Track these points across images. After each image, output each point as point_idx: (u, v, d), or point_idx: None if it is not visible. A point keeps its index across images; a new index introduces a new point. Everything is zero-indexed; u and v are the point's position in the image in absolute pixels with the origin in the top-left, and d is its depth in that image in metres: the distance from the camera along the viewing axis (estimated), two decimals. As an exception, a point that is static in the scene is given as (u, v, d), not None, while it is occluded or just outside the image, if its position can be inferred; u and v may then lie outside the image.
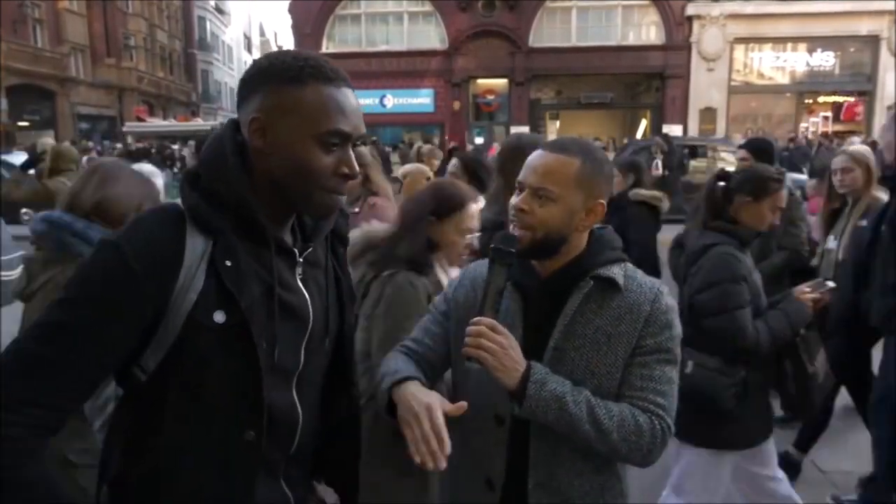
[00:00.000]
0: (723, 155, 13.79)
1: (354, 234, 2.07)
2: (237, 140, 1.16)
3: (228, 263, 1.10)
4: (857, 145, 4.09)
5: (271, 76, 1.13)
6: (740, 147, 4.46)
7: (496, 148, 18.87)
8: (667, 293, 1.47)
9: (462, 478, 1.53)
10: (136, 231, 1.10)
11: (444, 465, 1.23)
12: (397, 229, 2.16)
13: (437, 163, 6.00)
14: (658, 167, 11.04)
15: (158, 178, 2.83)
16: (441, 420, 1.25)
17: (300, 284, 1.22)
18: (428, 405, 1.27)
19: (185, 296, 1.08)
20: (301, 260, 1.23)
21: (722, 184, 2.59)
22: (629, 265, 1.50)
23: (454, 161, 3.74)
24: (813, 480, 3.60)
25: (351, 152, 1.16)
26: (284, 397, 1.21)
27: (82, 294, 1.06)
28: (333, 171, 1.14)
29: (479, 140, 23.90)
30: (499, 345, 1.33)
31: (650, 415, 1.38)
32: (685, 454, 2.61)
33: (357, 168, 1.18)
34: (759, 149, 4.14)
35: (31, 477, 1.01)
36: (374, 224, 2.35)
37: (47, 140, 8.64)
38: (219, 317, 1.09)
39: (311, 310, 1.23)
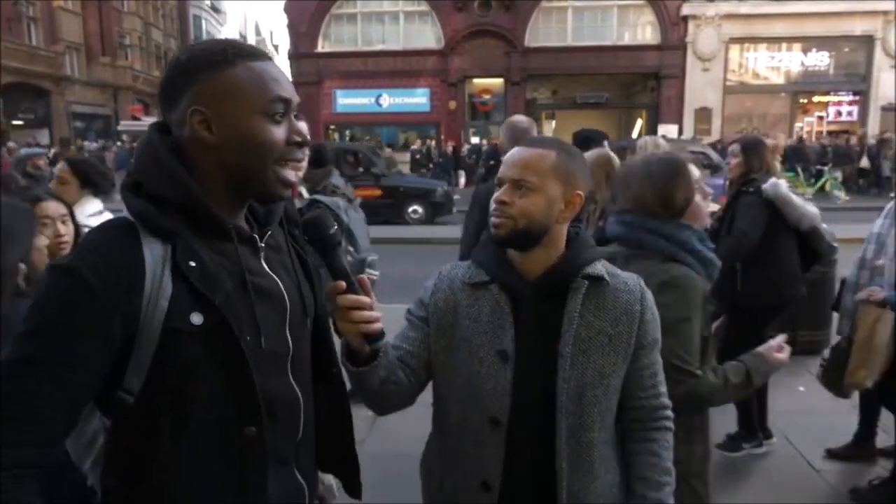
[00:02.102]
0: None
1: None
2: (168, 141, 1.14)
3: (193, 264, 1.08)
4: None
5: (199, 66, 1.11)
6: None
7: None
8: (643, 283, 1.54)
9: (455, 484, 1.53)
10: (88, 251, 1.06)
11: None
12: None
13: None
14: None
15: None
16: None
17: (267, 269, 1.21)
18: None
19: (156, 305, 1.05)
20: (263, 245, 1.22)
21: None
22: (605, 260, 1.56)
23: (61, 164, 3.59)
24: (807, 479, 3.62)
25: (294, 120, 1.17)
26: (282, 383, 1.20)
27: (44, 324, 1.02)
28: (287, 140, 1.14)
29: (475, 140, 23.95)
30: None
31: (662, 430, 1.55)
32: None
33: (307, 134, 1.18)
34: None
35: None
36: None
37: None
38: (196, 318, 1.07)
39: (284, 291, 1.22)
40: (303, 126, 1.33)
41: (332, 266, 1.27)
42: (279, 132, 1.13)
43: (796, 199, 3.66)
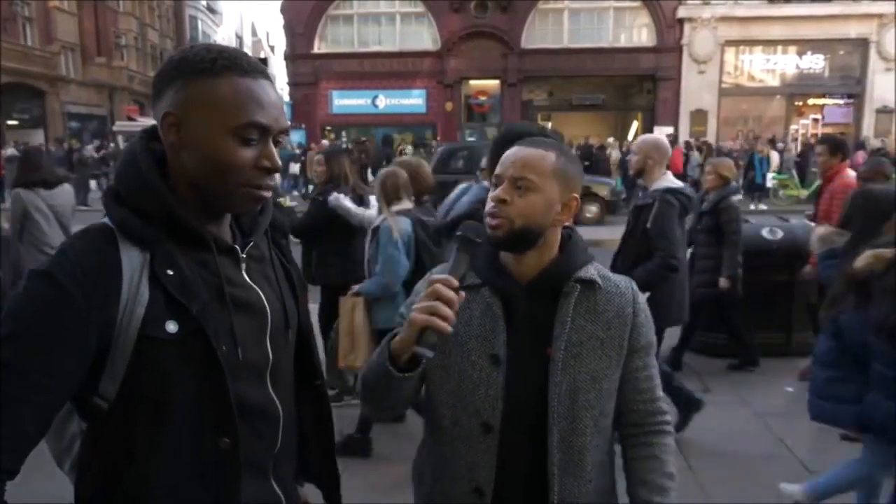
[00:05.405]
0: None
1: None
2: (152, 150, 1.12)
3: (170, 272, 1.07)
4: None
5: (184, 69, 1.09)
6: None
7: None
8: (636, 286, 1.54)
9: (447, 489, 1.51)
10: (66, 257, 1.05)
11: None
12: None
13: None
14: None
15: None
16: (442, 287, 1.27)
17: (248, 280, 1.20)
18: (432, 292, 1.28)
19: (132, 312, 1.04)
20: (244, 256, 1.21)
21: None
22: (597, 263, 1.54)
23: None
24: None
25: (272, 145, 1.13)
26: (261, 394, 1.19)
27: (20, 329, 1.00)
28: (253, 164, 1.10)
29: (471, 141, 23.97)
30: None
31: (661, 434, 1.54)
32: None
33: (279, 162, 1.14)
34: None
35: None
36: None
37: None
38: (171, 327, 1.06)
39: (266, 303, 1.21)
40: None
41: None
42: (247, 155, 1.10)
43: None
